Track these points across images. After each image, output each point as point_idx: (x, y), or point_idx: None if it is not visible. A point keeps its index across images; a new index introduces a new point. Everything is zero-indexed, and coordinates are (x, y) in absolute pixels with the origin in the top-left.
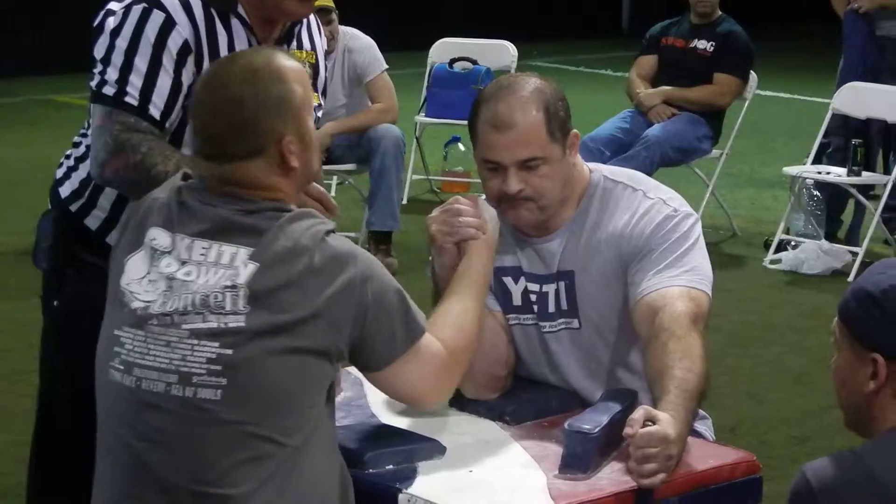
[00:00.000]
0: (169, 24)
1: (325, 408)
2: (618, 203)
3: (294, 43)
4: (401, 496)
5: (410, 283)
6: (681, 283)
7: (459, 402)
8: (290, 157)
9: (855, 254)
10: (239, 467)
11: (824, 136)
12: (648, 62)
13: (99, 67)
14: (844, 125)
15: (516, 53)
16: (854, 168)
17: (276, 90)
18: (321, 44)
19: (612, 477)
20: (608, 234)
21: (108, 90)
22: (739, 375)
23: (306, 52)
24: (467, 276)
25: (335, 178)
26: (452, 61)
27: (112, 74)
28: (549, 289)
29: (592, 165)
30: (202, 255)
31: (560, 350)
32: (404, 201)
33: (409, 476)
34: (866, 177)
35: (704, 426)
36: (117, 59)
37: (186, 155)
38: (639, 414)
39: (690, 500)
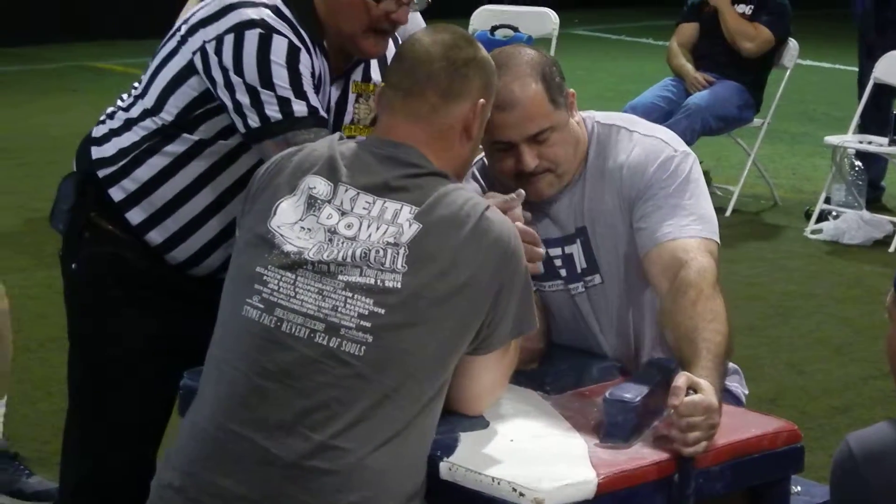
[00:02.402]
0: (294, 49)
1: (448, 382)
2: (615, 146)
3: (361, 75)
4: (442, 464)
5: None
6: (696, 233)
7: None
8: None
9: None
10: (357, 425)
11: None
12: (689, 30)
13: (245, 105)
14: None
15: (558, 21)
16: (895, 137)
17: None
18: None
19: (653, 445)
20: (609, 178)
21: (275, 115)
22: (780, 345)
23: (374, 84)
24: None
25: None
26: (493, 28)
27: (269, 100)
28: (573, 249)
29: (584, 114)
30: (365, 209)
31: (588, 310)
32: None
33: (451, 445)
34: None
35: (736, 382)
36: (263, 92)
37: None
38: (681, 381)
39: (731, 469)
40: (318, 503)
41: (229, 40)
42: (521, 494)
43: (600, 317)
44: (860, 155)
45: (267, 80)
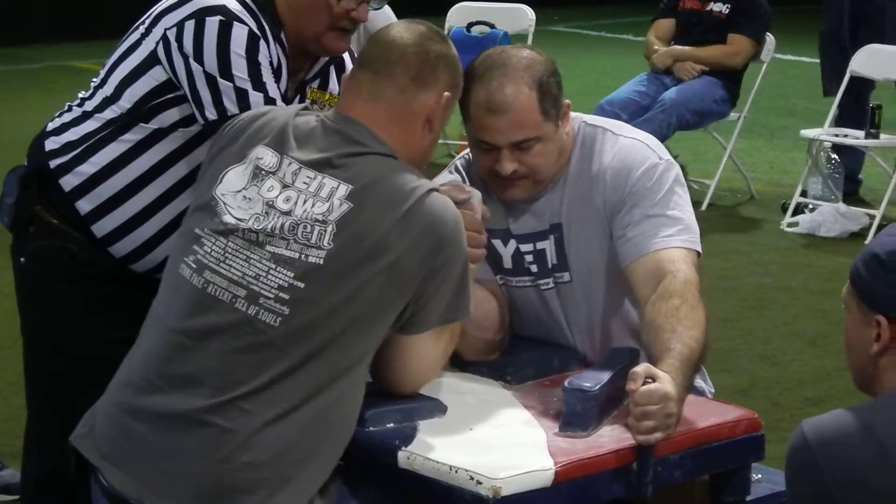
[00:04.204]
0: (254, 37)
1: (367, 357)
2: (601, 148)
3: (318, 83)
4: (400, 454)
5: None
6: (680, 243)
7: (461, 362)
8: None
9: (872, 216)
10: (264, 391)
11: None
12: (666, 25)
13: (203, 93)
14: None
15: (534, 17)
16: (872, 130)
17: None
18: None
19: (612, 434)
20: (590, 180)
21: (231, 107)
22: (754, 337)
23: (329, 94)
24: None
25: None
26: (470, 25)
27: (227, 97)
28: (545, 245)
29: (572, 114)
30: (305, 183)
31: (556, 306)
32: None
33: (410, 434)
34: (884, 139)
35: (699, 376)
36: (222, 83)
37: None
38: (640, 368)
39: (691, 458)
40: (212, 458)
41: (190, 26)
42: (479, 483)
43: (569, 314)
44: (837, 148)
45: (226, 69)
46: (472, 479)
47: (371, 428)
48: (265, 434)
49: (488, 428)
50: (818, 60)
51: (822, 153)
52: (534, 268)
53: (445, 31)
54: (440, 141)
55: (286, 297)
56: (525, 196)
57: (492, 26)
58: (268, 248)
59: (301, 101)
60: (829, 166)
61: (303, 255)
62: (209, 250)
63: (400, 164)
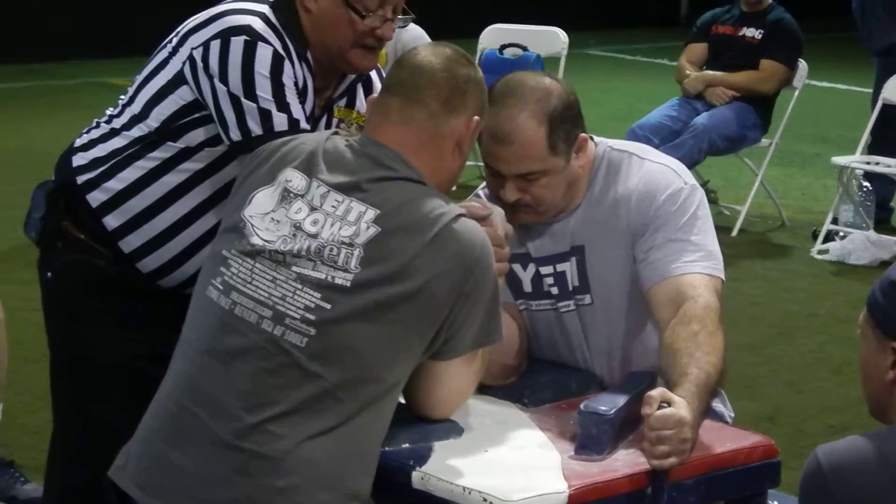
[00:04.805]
0: (278, 58)
1: (398, 385)
2: (626, 172)
3: (345, 101)
4: (414, 474)
5: None
6: (702, 269)
7: (479, 386)
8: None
9: None
10: (293, 414)
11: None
12: (698, 50)
13: (228, 114)
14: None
15: (567, 40)
16: None
17: None
18: None
19: (626, 458)
20: (615, 203)
21: (255, 130)
22: (780, 364)
23: (357, 112)
24: None
25: None
26: (502, 47)
27: (250, 118)
28: (565, 267)
29: (598, 139)
30: (333, 206)
31: (575, 329)
32: (454, 188)
33: (425, 454)
34: None
35: (718, 400)
36: (246, 103)
37: None
38: (656, 392)
39: (706, 483)
40: (248, 484)
41: (215, 46)
42: None
43: (588, 336)
44: (869, 176)
45: (250, 90)
46: (485, 500)
47: (386, 448)
48: (297, 458)
49: (503, 450)
50: (852, 87)
51: (853, 181)
52: (554, 290)
53: (478, 53)
54: (471, 163)
55: (312, 317)
56: (531, 221)
57: (525, 49)
58: (294, 268)
59: (328, 120)
60: (861, 194)
61: (329, 277)
62: (236, 271)
63: (428, 190)
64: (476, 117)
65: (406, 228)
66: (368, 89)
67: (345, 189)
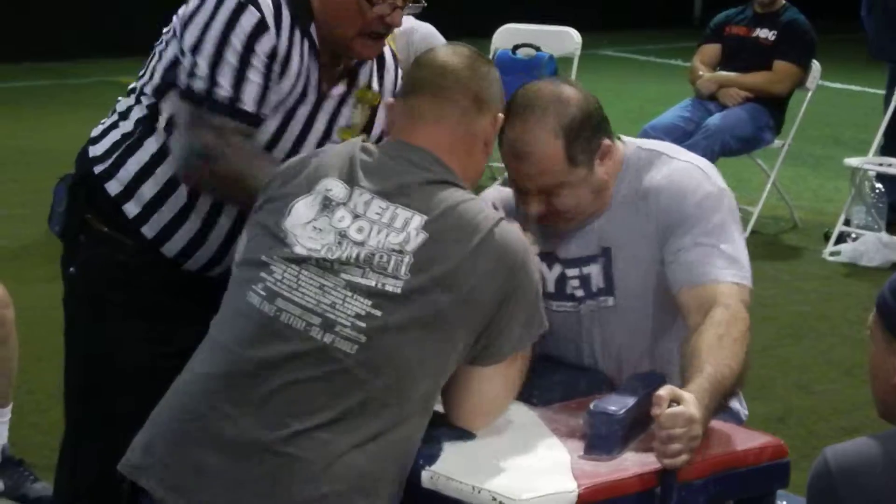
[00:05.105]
0: (261, 28)
1: (439, 391)
2: (655, 171)
3: (364, 81)
4: (424, 473)
5: None
6: (733, 277)
7: None
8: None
9: None
10: (340, 421)
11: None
12: (711, 51)
13: (188, 59)
14: None
15: (580, 40)
16: None
17: None
18: (390, 83)
19: (636, 458)
20: (643, 204)
21: (199, 85)
22: (791, 366)
23: (372, 93)
24: None
25: None
26: (515, 47)
27: (203, 68)
28: (591, 269)
29: (626, 139)
30: (378, 214)
31: (592, 330)
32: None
33: (434, 454)
34: None
35: (735, 402)
36: (207, 52)
37: (275, 159)
38: (665, 391)
39: (715, 483)
40: (288, 490)
41: (210, 3)
42: None
43: (605, 339)
44: (881, 177)
45: (217, 49)
46: (494, 500)
47: None
48: (341, 465)
49: (513, 449)
50: (865, 89)
51: (865, 182)
52: (578, 293)
53: (491, 53)
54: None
55: (363, 325)
56: (561, 228)
57: (538, 49)
58: (342, 276)
59: (344, 97)
60: (873, 195)
61: (379, 284)
62: (280, 277)
63: (467, 194)
64: (500, 114)
65: (453, 233)
66: (382, 67)
67: (387, 195)
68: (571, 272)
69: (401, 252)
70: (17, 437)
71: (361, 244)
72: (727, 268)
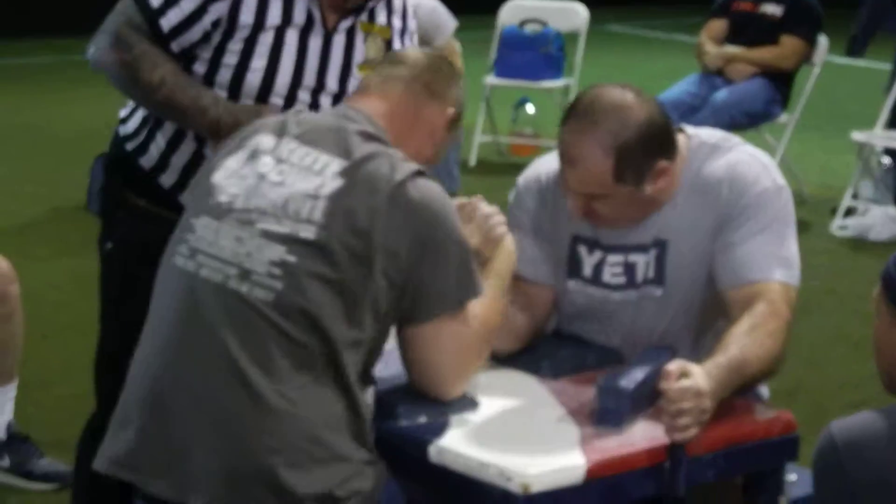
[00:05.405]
0: None
1: (373, 345)
2: (717, 164)
3: (367, 16)
4: (430, 447)
5: None
6: (780, 277)
7: (495, 356)
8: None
9: None
10: (264, 366)
11: None
12: (718, 26)
13: None
14: None
15: (587, 15)
16: None
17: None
18: (399, 22)
19: (644, 432)
20: (704, 194)
21: None
22: (799, 341)
23: (379, 26)
24: (495, 274)
25: None
26: (522, 23)
27: None
28: (638, 258)
29: (691, 130)
30: (300, 158)
31: (626, 319)
32: (473, 163)
33: (441, 429)
34: None
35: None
36: None
37: (175, 67)
38: (674, 366)
39: (725, 458)
40: (231, 442)
41: None
42: (509, 479)
43: (637, 328)
44: (889, 151)
45: None
46: (502, 474)
47: (402, 422)
48: (281, 411)
49: (520, 423)
50: (872, 64)
51: (873, 156)
52: (618, 280)
53: (498, 29)
54: (488, 139)
55: (278, 272)
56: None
57: (545, 24)
58: (258, 225)
59: (352, 34)
60: (881, 170)
61: (293, 230)
62: (201, 234)
63: (393, 150)
64: (451, 109)
65: (368, 182)
66: (390, 6)
67: (313, 142)
68: (615, 258)
69: (315, 197)
70: (22, 414)
71: (279, 185)
72: (776, 267)
